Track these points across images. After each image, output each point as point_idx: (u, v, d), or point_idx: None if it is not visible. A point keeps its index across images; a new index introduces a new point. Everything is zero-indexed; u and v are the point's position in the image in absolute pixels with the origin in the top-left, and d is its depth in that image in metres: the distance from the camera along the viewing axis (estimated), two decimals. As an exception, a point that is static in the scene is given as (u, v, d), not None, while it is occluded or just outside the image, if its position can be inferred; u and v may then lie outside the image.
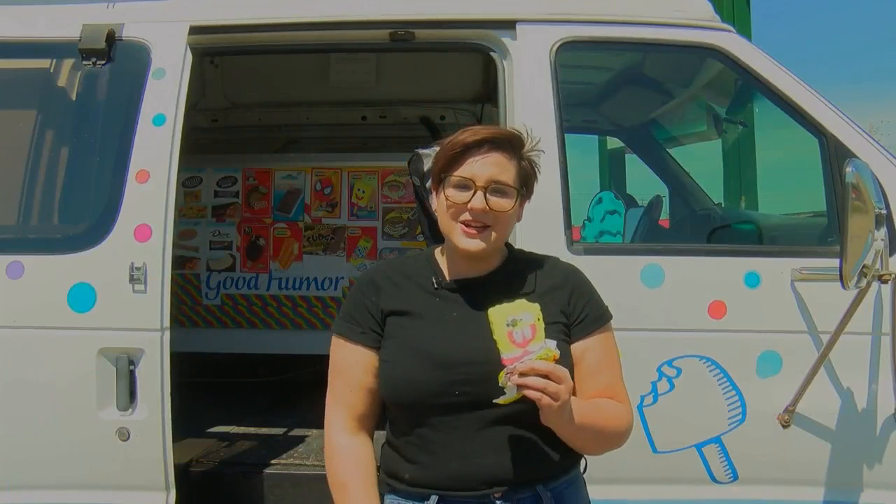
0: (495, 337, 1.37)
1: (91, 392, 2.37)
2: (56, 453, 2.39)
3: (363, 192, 4.04)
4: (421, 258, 1.65)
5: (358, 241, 4.03)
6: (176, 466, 2.44)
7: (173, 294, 2.47)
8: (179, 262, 3.94)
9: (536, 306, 1.39)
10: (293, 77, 3.96)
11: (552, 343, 1.37)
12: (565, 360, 1.45)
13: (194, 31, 2.55)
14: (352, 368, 1.56)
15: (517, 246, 1.71)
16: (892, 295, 2.22)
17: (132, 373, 2.37)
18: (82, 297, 2.37)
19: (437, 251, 1.64)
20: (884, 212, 2.10)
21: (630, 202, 4.19)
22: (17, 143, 2.75)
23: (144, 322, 2.37)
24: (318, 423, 1.61)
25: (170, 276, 2.39)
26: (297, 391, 3.71)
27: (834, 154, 2.39)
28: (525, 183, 1.56)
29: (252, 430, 3.23)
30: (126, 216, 2.40)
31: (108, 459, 2.38)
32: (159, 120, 2.47)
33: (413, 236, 3.99)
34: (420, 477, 1.51)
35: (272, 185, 4.08)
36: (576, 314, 1.56)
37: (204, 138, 4.37)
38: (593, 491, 1.65)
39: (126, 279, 2.35)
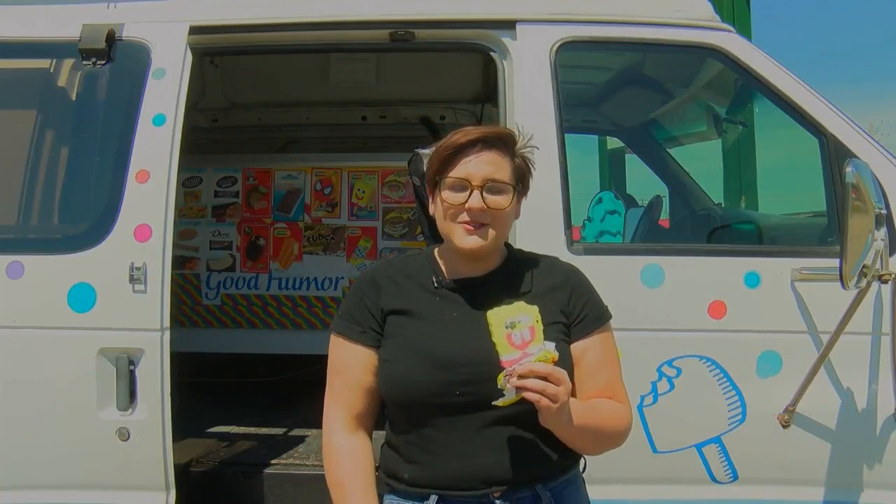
0: (494, 339, 1.37)
1: (91, 392, 2.37)
2: (56, 453, 2.39)
3: (363, 192, 4.05)
4: (421, 258, 1.65)
5: (358, 241, 4.03)
6: (176, 466, 2.44)
7: (173, 294, 2.47)
8: (179, 262, 3.94)
9: (535, 308, 1.39)
10: (293, 77, 3.96)
11: (551, 345, 1.37)
12: (565, 360, 1.45)
13: (194, 31, 2.55)
14: (351, 368, 1.56)
15: (517, 246, 1.71)
16: (892, 295, 2.22)
17: (132, 373, 2.37)
18: (82, 297, 2.37)
19: (437, 251, 1.64)
20: (884, 212, 2.10)
21: (630, 202, 4.19)
22: (18, 143, 2.75)
23: (144, 322, 2.37)
24: (318, 422, 1.61)
25: (170, 276, 2.39)
26: (297, 391, 3.71)
27: (834, 154, 2.39)
28: (521, 179, 1.56)
29: (252, 430, 3.23)
30: (126, 216, 2.40)
31: (108, 459, 2.38)
32: (159, 120, 2.47)
33: (413, 236, 3.99)
34: (419, 477, 1.51)
35: (272, 185, 4.08)
36: (575, 314, 1.56)
37: (204, 138, 4.37)
38: (593, 491, 1.65)
39: (126, 279, 2.35)
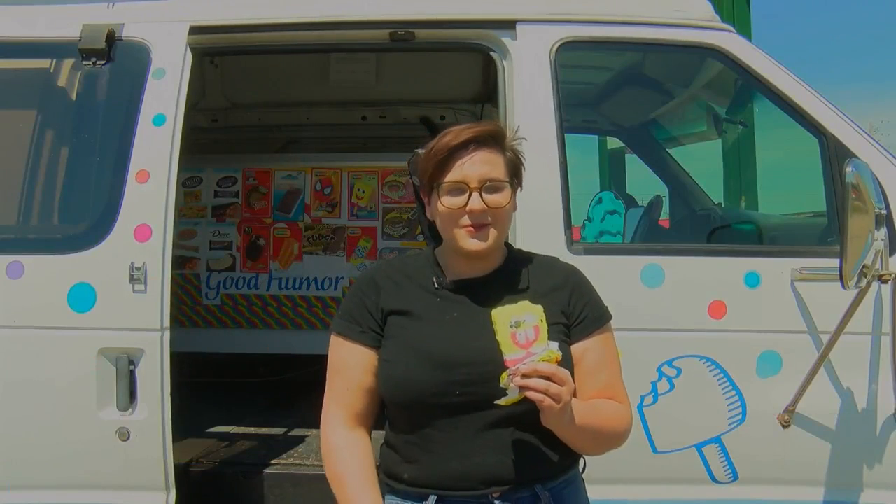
0: (498, 338, 1.37)
1: (91, 392, 2.37)
2: (56, 453, 2.39)
3: (363, 192, 4.04)
4: (421, 258, 1.65)
5: (358, 241, 4.03)
6: (176, 466, 2.44)
7: (173, 294, 2.47)
8: (179, 262, 3.94)
9: (540, 308, 1.39)
10: (293, 77, 3.96)
11: (555, 345, 1.37)
12: (565, 361, 1.45)
13: (194, 31, 2.55)
14: (351, 368, 1.56)
15: (517, 246, 1.71)
16: (892, 295, 2.22)
17: (132, 373, 2.37)
18: (82, 297, 2.37)
19: (437, 251, 1.64)
20: (884, 212, 2.10)
21: (630, 202, 4.19)
22: (18, 143, 2.75)
23: (144, 322, 2.37)
24: (318, 422, 1.60)
25: (170, 276, 2.39)
26: (297, 391, 3.71)
27: (834, 154, 2.39)
28: (515, 173, 1.57)
29: (252, 430, 3.23)
30: (126, 216, 2.40)
31: (108, 459, 2.38)
32: (159, 120, 2.47)
33: (413, 236, 3.99)
34: (419, 477, 1.51)
35: (272, 185, 4.08)
36: (575, 315, 1.56)
37: (204, 138, 4.37)
38: (593, 491, 1.64)
39: (126, 279, 2.35)
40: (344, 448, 1.54)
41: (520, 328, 1.36)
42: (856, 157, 2.29)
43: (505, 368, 1.35)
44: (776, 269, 2.34)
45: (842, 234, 2.09)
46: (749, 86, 2.73)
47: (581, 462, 1.61)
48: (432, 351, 1.49)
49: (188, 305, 4.01)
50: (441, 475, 1.49)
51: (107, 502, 2.41)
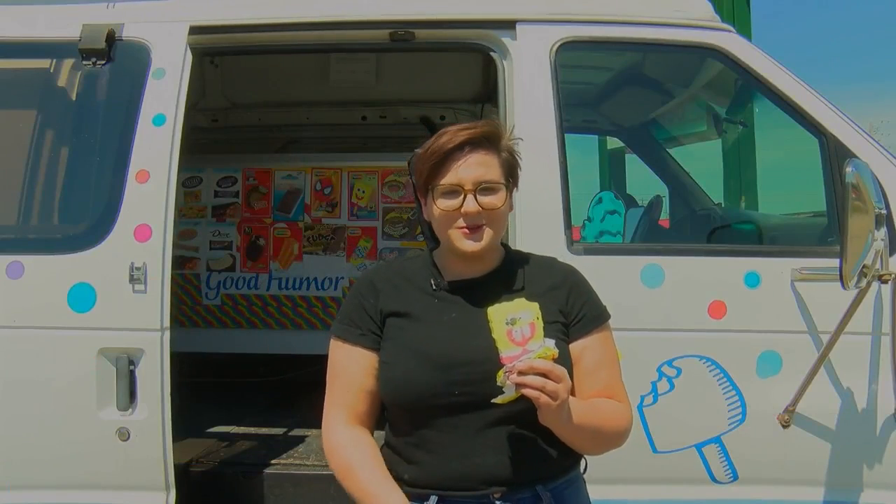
0: (494, 335, 1.37)
1: (91, 392, 2.37)
2: (56, 453, 2.39)
3: (363, 192, 4.05)
4: (419, 260, 1.65)
5: (358, 241, 4.04)
6: (176, 466, 2.44)
7: (173, 294, 2.47)
8: (179, 262, 3.95)
9: (535, 305, 1.39)
10: (293, 77, 3.96)
11: (551, 342, 1.37)
12: (564, 359, 1.45)
13: (194, 31, 2.55)
14: (351, 370, 1.56)
15: (517, 245, 1.72)
16: (892, 295, 2.22)
17: (132, 373, 2.37)
18: (82, 297, 2.37)
19: (436, 253, 1.64)
20: (884, 212, 2.10)
21: (630, 202, 4.19)
22: (18, 143, 2.75)
23: (144, 322, 2.37)
24: (318, 422, 1.60)
25: (170, 276, 2.39)
26: (297, 391, 3.71)
27: (834, 154, 2.39)
28: (510, 174, 1.56)
29: (252, 430, 3.24)
30: (126, 216, 2.40)
31: (108, 459, 2.38)
32: (159, 120, 2.47)
33: (413, 236, 3.99)
34: (420, 477, 1.51)
35: (272, 185, 4.09)
36: (574, 314, 1.56)
37: (204, 138, 4.37)
38: (593, 491, 1.64)
39: (126, 279, 2.35)
40: (349, 444, 1.53)
41: (516, 325, 1.36)
42: (856, 157, 2.29)
43: (501, 366, 1.35)
44: (776, 269, 2.34)
45: (842, 234, 2.09)
46: (749, 86, 2.73)
47: (583, 463, 1.62)
48: (431, 352, 1.49)
49: (188, 305, 4.02)
50: (441, 476, 1.49)
51: (107, 502, 2.41)
